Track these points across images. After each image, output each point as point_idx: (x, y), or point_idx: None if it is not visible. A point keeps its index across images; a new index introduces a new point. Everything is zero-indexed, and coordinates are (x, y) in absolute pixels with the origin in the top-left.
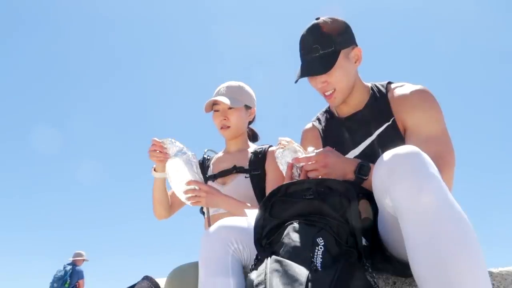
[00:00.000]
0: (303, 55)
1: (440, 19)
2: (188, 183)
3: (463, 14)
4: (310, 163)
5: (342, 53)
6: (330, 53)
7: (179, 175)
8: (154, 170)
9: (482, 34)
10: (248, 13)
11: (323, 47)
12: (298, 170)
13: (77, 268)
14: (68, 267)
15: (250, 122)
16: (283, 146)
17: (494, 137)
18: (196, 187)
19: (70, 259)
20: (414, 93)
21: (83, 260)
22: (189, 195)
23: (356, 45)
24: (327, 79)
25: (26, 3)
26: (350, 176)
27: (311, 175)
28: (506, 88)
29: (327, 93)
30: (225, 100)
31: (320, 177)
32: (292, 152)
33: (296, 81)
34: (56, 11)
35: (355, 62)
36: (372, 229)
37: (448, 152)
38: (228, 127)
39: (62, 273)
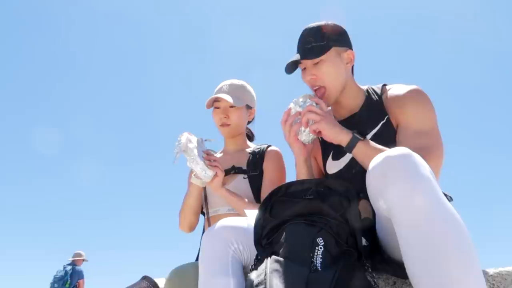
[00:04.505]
0: (298, 47)
1: (440, 19)
2: (207, 151)
3: (463, 14)
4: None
5: (334, 50)
6: (321, 45)
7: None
8: (194, 175)
9: (482, 34)
10: (247, 13)
11: (316, 40)
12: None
13: (77, 268)
14: (68, 267)
15: (249, 122)
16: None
17: (495, 137)
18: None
19: (70, 259)
20: (407, 91)
21: (83, 260)
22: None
23: (351, 49)
24: (316, 72)
25: (26, 3)
26: (345, 135)
27: (310, 116)
28: (506, 88)
29: (315, 88)
30: (228, 98)
31: (315, 126)
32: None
33: (287, 71)
34: (56, 10)
35: (347, 64)
36: (372, 229)
37: (435, 146)
38: (228, 125)
39: (63, 273)
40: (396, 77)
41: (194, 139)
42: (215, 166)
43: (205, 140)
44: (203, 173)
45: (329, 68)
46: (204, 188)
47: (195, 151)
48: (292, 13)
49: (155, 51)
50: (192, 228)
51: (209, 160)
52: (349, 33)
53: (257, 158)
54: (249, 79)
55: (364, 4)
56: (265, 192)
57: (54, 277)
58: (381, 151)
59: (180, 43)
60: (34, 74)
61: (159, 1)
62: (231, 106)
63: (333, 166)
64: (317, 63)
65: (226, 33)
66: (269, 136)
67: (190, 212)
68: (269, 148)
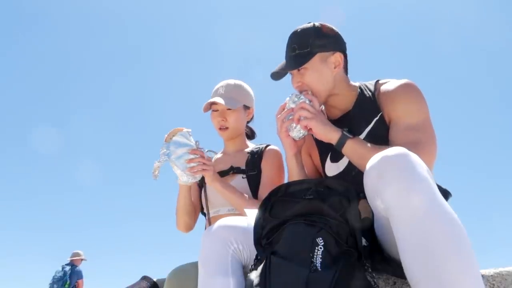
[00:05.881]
0: (285, 54)
1: (440, 19)
2: (192, 151)
3: (464, 14)
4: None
5: (318, 56)
6: (304, 53)
7: (181, 149)
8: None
9: (482, 34)
10: (248, 13)
11: (300, 47)
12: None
13: (77, 268)
14: (67, 268)
15: (248, 122)
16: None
17: (494, 137)
18: (197, 156)
19: (68, 259)
20: (397, 86)
21: (81, 259)
22: (194, 164)
23: (340, 51)
24: (301, 79)
25: (26, 2)
26: (335, 133)
27: (301, 113)
28: (507, 88)
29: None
30: (222, 102)
31: (306, 122)
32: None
33: (275, 78)
34: (56, 10)
35: (335, 68)
36: (371, 229)
37: (426, 140)
38: (226, 128)
39: (62, 273)
40: (397, 76)
41: (177, 144)
42: (203, 170)
43: (208, 151)
44: (190, 180)
45: (312, 75)
46: (205, 189)
47: (175, 168)
48: (293, 13)
49: (155, 51)
50: (188, 228)
51: (195, 163)
52: (348, 32)
53: (256, 158)
54: (250, 79)
55: (365, 3)
56: (263, 190)
57: (53, 278)
58: (371, 149)
59: (180, 43)
60: (34, 74)
61: (160, 1)
62: (228, 109)
63: (332, 168)
64: (302, 70)
65: (227, 33)
66: (271, 136)
67: (182, 212)
68: (267, 148)
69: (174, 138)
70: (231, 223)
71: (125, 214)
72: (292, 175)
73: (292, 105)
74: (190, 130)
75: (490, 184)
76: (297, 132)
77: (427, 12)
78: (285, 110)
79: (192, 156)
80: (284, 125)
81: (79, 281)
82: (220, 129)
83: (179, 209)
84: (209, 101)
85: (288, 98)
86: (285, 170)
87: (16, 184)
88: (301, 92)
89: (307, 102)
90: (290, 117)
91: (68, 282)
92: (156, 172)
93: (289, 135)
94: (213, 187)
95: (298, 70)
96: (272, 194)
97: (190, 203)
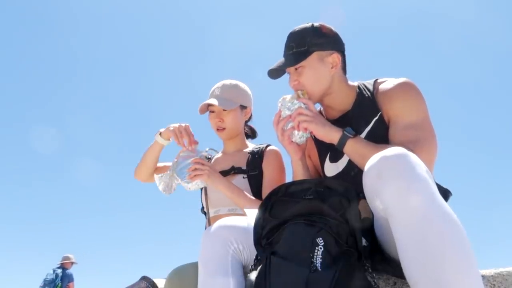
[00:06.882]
0: (283, 53)
1: (440, 19)
2: (194, 160)
3: (464, 13)
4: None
5: (316, 55)
6: (301, 51)
7: (186, 162)
8: (160, 134)
9: (482, 34)
10: (248, 13)
11: (298, 46)
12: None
13: (67, 271)
14: (59, 270)
15: (247, 121)
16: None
17: (496, 137)
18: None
19: (59, 263)
20: (396, 85)
21: (72, 262)
22: (191, 171)
23: (339, 52)
24: (298, 78)
25: (26, 2)
26: (335, 133)
27: (300, 118)
28: (507, 88)
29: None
30: (216, 103)
31: (306, 124)
32: (286, 107)
33: (272, 76)
34: (55, 10)
35: (332, 68)
36: (371, 229)
37: (425, 138)
38: (224, 128)
39: (53, 276)
40: (397, 75)
41: (183, 158)
42: (198, 175)
43: (209, 149)
44: (195, 186)
45: (308, 74)
46: (205, 188)
47: (179, 180)
48: (293, 13)
49: (155, 51)
50: (144, 179)
51: (195, 170)
52: (348, 31)
53: (256, 158)
54: (250, 79)
55: (365, 2)
56: (266, 192)
57: (44, 280)
58: (372, 147)
59: (180, 43)
60: (34, 74)
61: (160, 1)
62: (224, 109)
63: (332, 169)
64: (299, 68)
65: (226, 33)
66: (271, 135)
67: (145, 167)
68: (268, 148)
69: (181, 154)
70: (231, 223)
71: (125, 214)
72: (297, 177)
73: (288, 112)
74: (197, 143)
75: (490, 183)
76: (300, 137)
77: (427, 12)
78: (282, 118)
79: (191, 165)
80: (286, 134)
81: (70, 284)
82: (217, 130)
83: (142, 163)
84: (203, 103)
85: (280, 104)
86: (286, 170)
87: (15, 183)
88: (296, 90)
89: (302, 106)
90: (290, 124)
91: (59, 285)
92: (161, 187)
93: (292, 141)
94: (215, 188)
95: (296, 69)
96: (272, 194)
97: (154, 163)
